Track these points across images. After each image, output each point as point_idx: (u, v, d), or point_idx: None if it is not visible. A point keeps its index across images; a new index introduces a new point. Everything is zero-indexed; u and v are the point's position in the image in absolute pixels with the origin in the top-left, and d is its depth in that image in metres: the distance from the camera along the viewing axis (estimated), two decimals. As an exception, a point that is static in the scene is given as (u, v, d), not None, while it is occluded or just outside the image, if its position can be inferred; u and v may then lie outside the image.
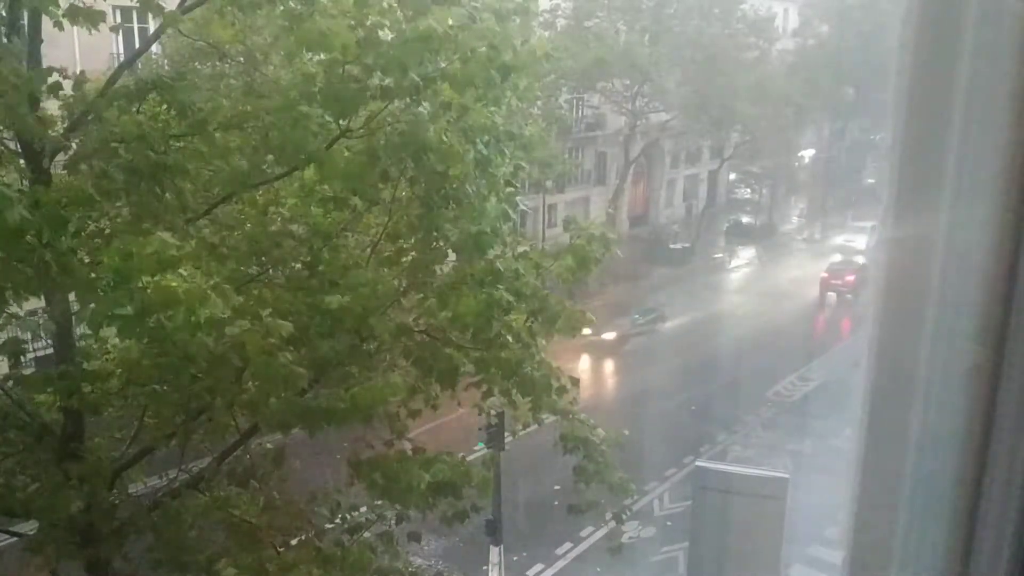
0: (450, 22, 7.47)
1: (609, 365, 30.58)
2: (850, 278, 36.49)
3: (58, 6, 7.21)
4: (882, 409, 1.06)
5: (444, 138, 7.67)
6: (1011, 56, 0.89)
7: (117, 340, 7.68)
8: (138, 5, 7.91)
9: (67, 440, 8.34)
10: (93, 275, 6.31)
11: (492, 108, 8.37)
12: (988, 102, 0.92)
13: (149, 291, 6.16)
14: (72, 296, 7.00)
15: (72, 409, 8.21)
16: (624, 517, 10.29)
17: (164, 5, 8.00)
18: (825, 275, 37.48)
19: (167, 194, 7.71)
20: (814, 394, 27.35)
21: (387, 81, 7.48)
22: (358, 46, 7.45)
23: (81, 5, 7.50)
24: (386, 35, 7.39)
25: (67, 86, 7.80)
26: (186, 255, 7.92)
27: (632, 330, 32.08)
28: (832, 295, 37.27)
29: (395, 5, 7.82)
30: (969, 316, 0.95)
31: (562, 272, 8.66)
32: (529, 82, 8.94)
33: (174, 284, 7.09)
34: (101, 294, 6.05)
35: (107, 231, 7.38)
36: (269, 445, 9.54)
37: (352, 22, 7.48)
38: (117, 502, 8.41)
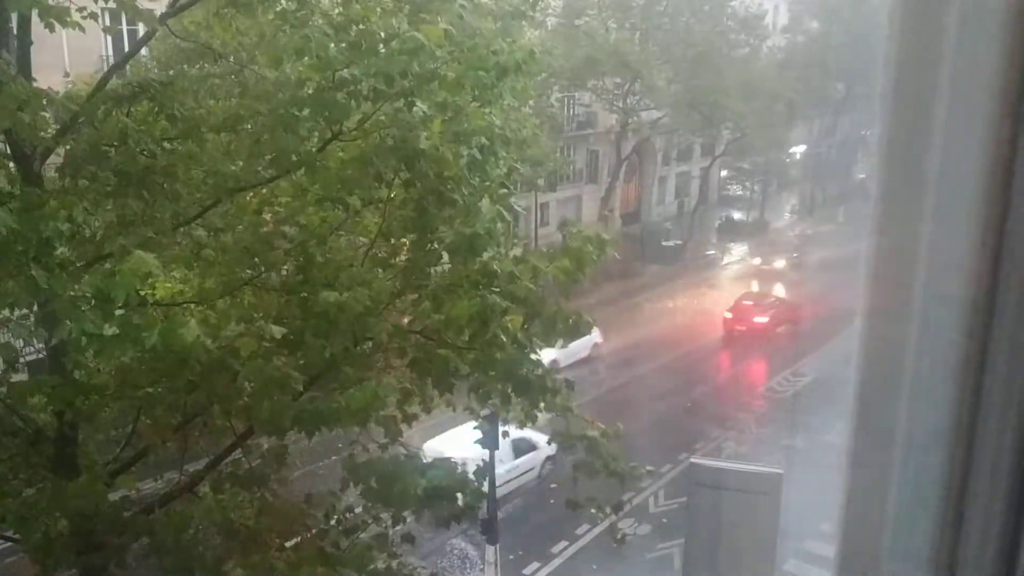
0: (442, 25, 7.47)
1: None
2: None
3: (54, 11, 7.16)
4: (870, 404, 1.07)
5: (437, 143, 7.66)
6: (995, 52, 0.90)
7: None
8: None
9: (62, 445, 8.31)
10: (73, 293, 6.27)
11: (488, 110, 8.38)
12: (972, 97, 0.93)
13: (128, 313, 6.12)
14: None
15: (66, 416, 8.18)
16: (624, 508, 10.37)
17: (148, 8, 7.95)
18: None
19: (156, 198, 7.69)
20: (807, 390, 27.45)
21: (378, 85, 7.48)
22: (348, 51, 7.45)
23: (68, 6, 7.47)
24: (378, 39, 7.39)
25: (61, 87, 7.76)
26: (174, 258, 7.94)
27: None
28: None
29: (392, 7, 7.83)
30: (955, 310, 0.96)
31: (558, 274, 8.67)
32: (525, 82, 8.95)
33: (154, 295, 7.11)
34: (83, 311, 6.01)
35: (98, 236, 7.36)
36: (266, 446, 9.54)
37: (335, 31, 7.47)
38: (120, 512, 8.38)
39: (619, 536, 10.40)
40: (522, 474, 21.44)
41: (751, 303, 32.32)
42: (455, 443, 18.88)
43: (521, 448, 20.71)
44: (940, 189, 0.96)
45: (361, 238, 9.62)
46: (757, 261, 41.78)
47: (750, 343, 30.65)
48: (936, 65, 0.94)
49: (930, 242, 0.98)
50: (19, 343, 7.58)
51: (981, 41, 0.91)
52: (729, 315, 31.71)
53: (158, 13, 8.32)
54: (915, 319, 1.01)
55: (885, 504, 1.08)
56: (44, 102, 6.95)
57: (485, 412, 10.51)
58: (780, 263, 41.06)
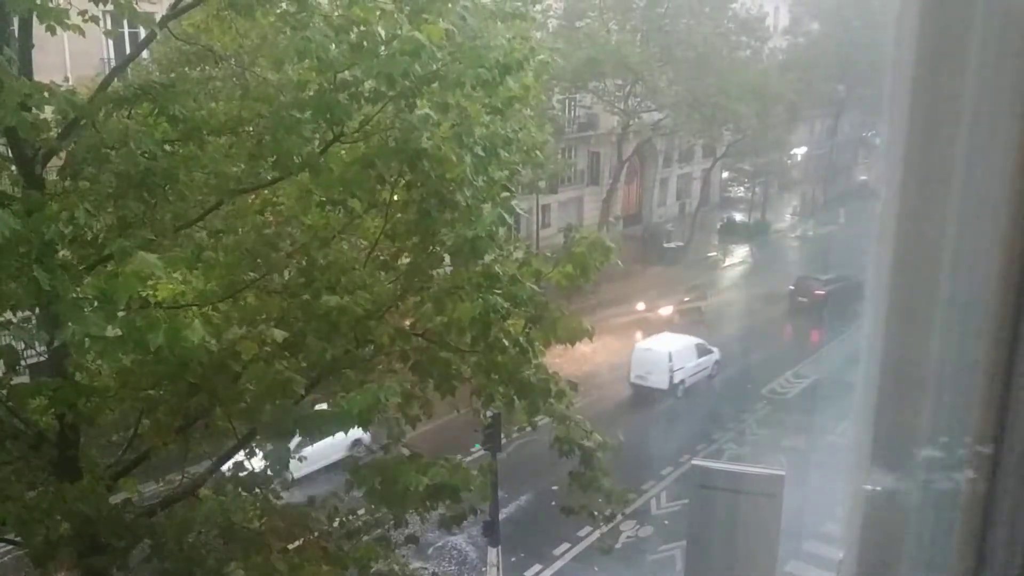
0: (442, 24, 7.45)
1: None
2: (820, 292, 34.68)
3: (54, 12, 7.14)
4: (889, 407, 1.05)
5: (439, 144, 7.65)
6: (1020, 49, 0.88)
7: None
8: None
9: (64, 447, 8.30)
10: (76, 295, 6.26)
11: (497, 116, 8.38)
12: (996, 96, 0.91)
13: (131, 315, 6.12)
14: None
15: (67, 419, 8.17)
16: (617, 518, 10.29)
17: (148, 11, 7.93)
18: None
19: (157, 201, 7.68)
20: (808, 391, 27.46)
21: (379, 86, 7.47)
22: (348, 53, 7.44)
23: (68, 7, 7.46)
24: (379, 40, 7.37)
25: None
26: (175, 260, 7.92)
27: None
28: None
29: (392, 8, 7.81)
30: (979, 313, 0.95)
31: (561, 280, 8.65)
32: (536, 87, 8.93)
33: (156, 297, 7.09)
34: (86, 313, 6.00)
35: (100, 238, 7.35)
36: (269, 447, 9.52)
37: (335, 33, 7.46)
38: (122, 514, 8.36)
39: (606, 546, 10.35)
40: (700, 371, 28.21)
41: (811, 279, 35.80)
42: (662, 342, 27.79)
43: (701, 350, 28.16)
44: (963, 190, 0.94)
45: (363, 241, 9.62)
46: (641, 307, 35.11)
47: (811, 311, 34.05)
48: (959, 65, 0.92)
49: (953, 244, 0.96)
50: (20, 345, 7.58)
51: (1005, 39, 0.89)
52: (792, 288, 35.98)
53: (158, 16, 8.31)
54: (937, 322, 0.99)
55: (906, 508, 1.06)
56: (46, 95, 6.93)
57: (489, 414, 10.49)
58: (667, 310, 34.98)
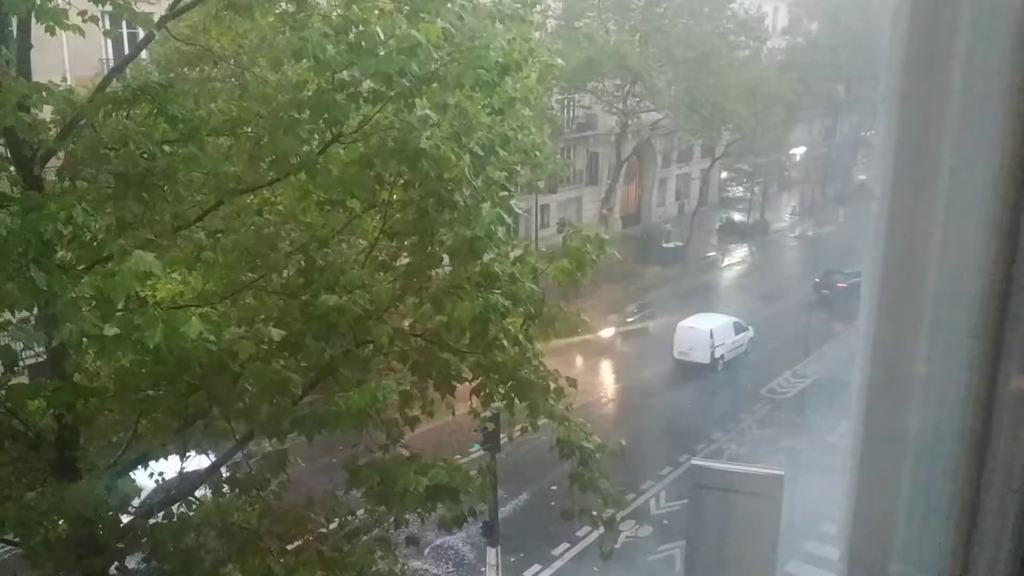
0: (440, 23, 7.45)
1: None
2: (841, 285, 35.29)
3: (52, 12, 7.13)
4: (879, 406, 1.06)
5: (438, 144, 7.65)
6: (1007, 50, 0.89)
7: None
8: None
9: (62, 448, 8.30)
10: (73, 295, 6.25)
11: (497, 117, 8.38)
12: (984, 96, 0.92)
13: (128, 314, 6.12)
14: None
15: (66, 420, 8.17)
16: (617, 521, 10.23)
17: (146, 11, 7.92)
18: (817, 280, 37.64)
19: (156, 201, 7.68)
20: (808, 391, 27.50)
21: (376, 85, 7.48)
22: (347, 53, 7.44)
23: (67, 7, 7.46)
24: (378, 40, 7.37)
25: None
26: (174, 260, 7.93)
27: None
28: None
29: (390, 8, 7.82)
30: (967, 311, 0.95)
31: (558, 275, 8.65)
32: (538, 89, 8.93)
33: (155, 297, 7.08)
34: (84, 312, 6.00)
35: (97, 241, 7.34)
36: (268, 448, 9.52)
37: (333, 32, 7.45)
38: (120, 515, 8.35)
39: (607, 550, 10.28)
40: (738, 347, 30.62)
41: (836, 272, 36.47)
42: (703, 321, 30.15)
43: (738, 328, 30.64)
44: (952, 190, 0.95)
45: (362, 241, 9.62)
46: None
47: (832, 303, 35.01)
48: (947, 65, 0.93)
49: (941, 243, 0.97)
50: (19, 346, 7.57)
51: (993, 40, 0.90)
52: (817, 280, 37.49)
53: (157, 16, 8.30)
54: (926, 320, 0.99)
55: (895, 507, 1.06)
56: (45, 95, 6.93)
57: (488, 414, 10.46)
58: (608, 331, 31.57)
